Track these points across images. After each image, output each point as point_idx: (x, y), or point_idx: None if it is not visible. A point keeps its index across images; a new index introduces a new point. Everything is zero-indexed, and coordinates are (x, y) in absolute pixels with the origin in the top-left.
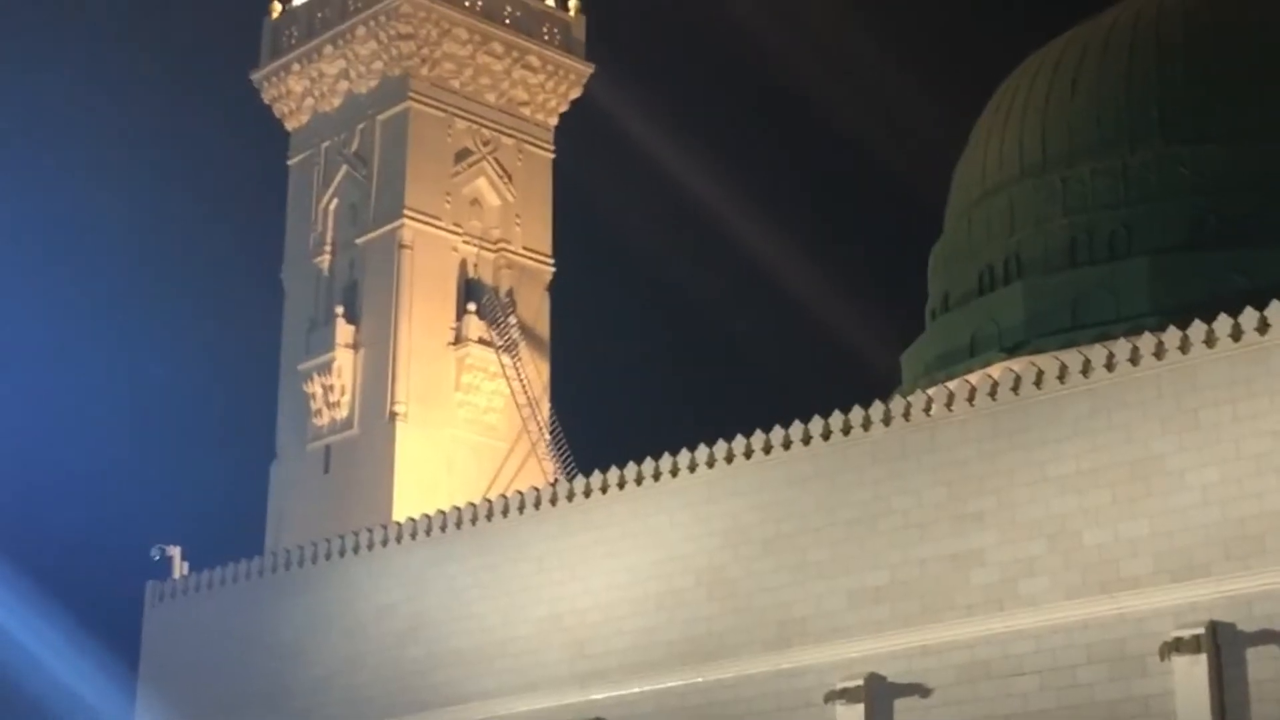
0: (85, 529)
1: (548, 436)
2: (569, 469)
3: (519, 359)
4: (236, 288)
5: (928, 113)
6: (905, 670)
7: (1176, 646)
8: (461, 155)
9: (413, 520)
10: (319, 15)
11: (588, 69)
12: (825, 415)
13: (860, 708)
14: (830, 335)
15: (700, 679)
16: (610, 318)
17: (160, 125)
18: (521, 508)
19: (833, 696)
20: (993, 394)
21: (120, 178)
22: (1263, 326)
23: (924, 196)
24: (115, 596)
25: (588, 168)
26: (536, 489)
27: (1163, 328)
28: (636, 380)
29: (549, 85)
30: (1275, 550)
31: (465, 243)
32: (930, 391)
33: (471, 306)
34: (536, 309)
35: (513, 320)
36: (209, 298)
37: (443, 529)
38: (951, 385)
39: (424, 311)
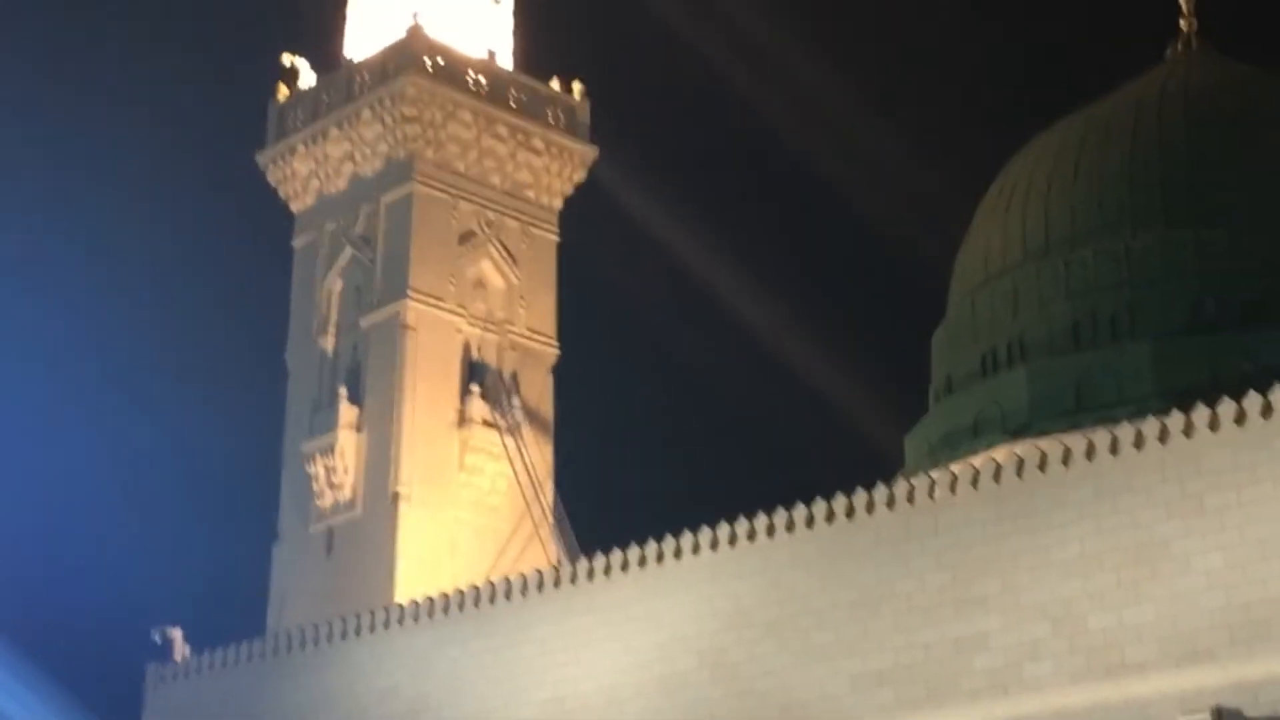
0: (86, 611)
1: (551, 518)
2: (572, 551)
3: (522, 441)
4: (240, 369)
5: (934, 193)
6: None
7: None
8: (466, 237)
9: (415, 602)
10: (324, 98)
11: (592, 152)
12: (828, 497)
13: None
14: (834, 416)
15: None
16: (614, 399)
17: (165, 206)
18: (524, 590)
19: None
20: (996, 477)
21: (124, 258)
22: (1266, 410)
23: (930, 277)
24: (116, 679)
25: (592, 250)
26: (540, 571)
27: (1166, 411)
28: (640, 462)
29: (553, 168)
30: None
31: (469, 324)
32: (934, 474)
33: (475, 388)
34: (540, 391)
35: (516, 402)
36: (213, 378)
37: (445, 611)
38: (955, 468)
39: (427, 393)
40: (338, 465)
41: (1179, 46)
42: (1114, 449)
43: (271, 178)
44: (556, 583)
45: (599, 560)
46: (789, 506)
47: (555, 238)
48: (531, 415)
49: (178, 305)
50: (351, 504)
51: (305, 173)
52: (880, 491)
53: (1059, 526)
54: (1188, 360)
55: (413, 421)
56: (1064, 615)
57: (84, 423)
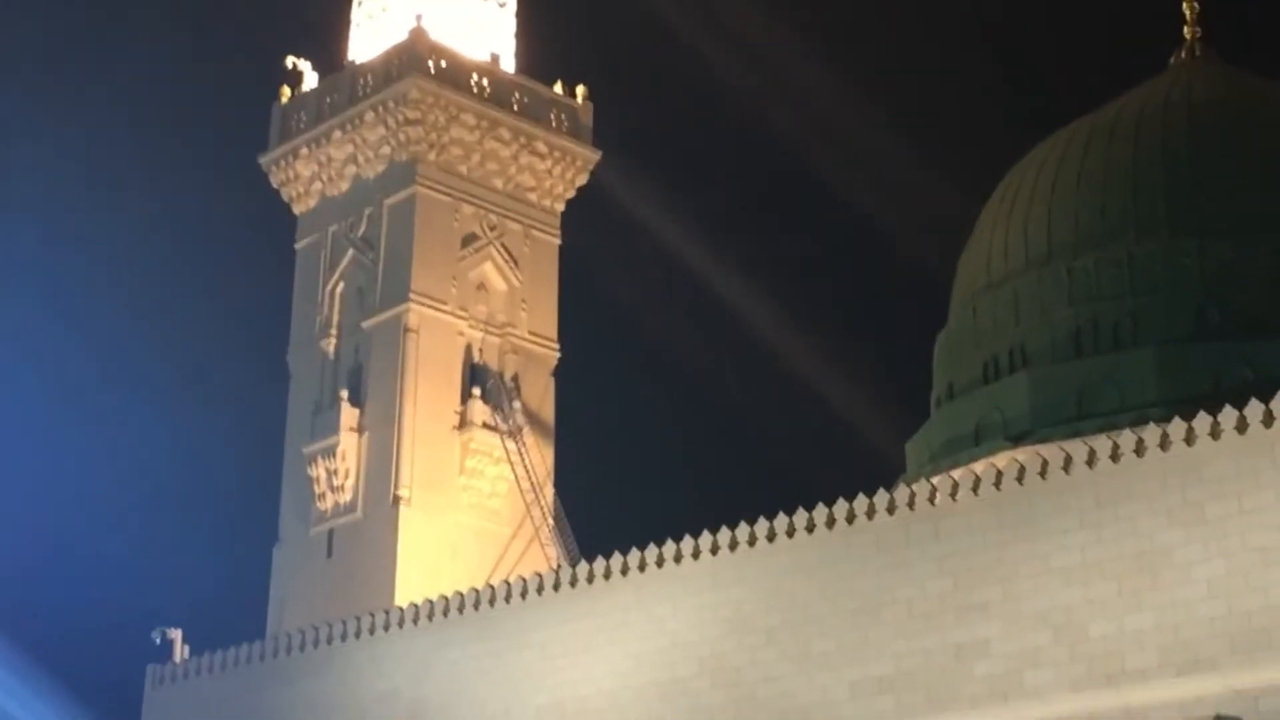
0: (86, 611)
1: (551, 522)
2: (573, 555)
3: (523, 444)
4: (242, 370)
5: (937, 199)
6: None
7: None
8: (468, 240)
9: (415, 605)
10: (328, 100)
11: (595, 155)
12: (829, 503)
13: None
14: (835, 422)
15: None
16: (616, 403)
17: (167, 208)
18: (524, 593)
19: None
20: (997, 484)
21: (126, 260)
22: (1268, 419)
23: (932, 283)
24: (116, 679)
25: (595, 253)
26: (540, 575)
27: (1168, 419)
28: (641, 466)
29: (556, 171)
30: None
31: (471, 327)
32: (935, 480)
33: (476, 391)
34: (542, 394)
35: (517, 405)
36: (214, 380)
37: (445, 614)
38: (956, 474)
39: (429, 396)
40: (339, 468)
41: (1183, 54)
42: (1115, 456)
43: (274, 180)
44: (556, 586)
45: (599, 564)
46: (790, 512)
47: (557, 241)
48: (532, 419)
49: (180, 307)
50: (352, 506)
51: (308, 175)
52: (881, 497)
53: (1060, 533)
54: (1190, 368)
55: (414, 424)
56: (1065, 622)
57: (86, 424)
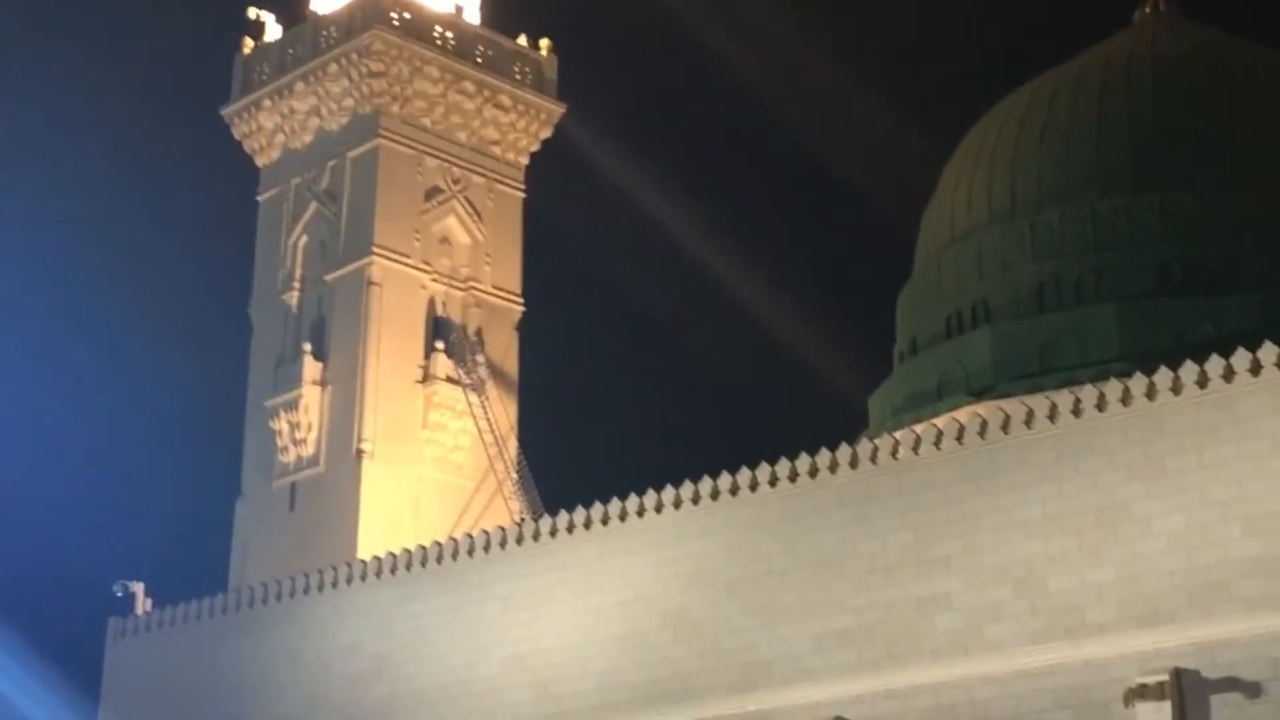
0: (48, 565)
1: (514, 476)
2: (535, 509)
3: (487, 398)
4: (204, 323)
5: (904, 151)
6: (870, 714)
7: (1141, 693)
8: (431, 193)
9: (378, 559)
10: (290, 52)
11: (559, 108)
12: (792, 458)
13: None
14: (799, 376)
15: None
16: (579, 357)
17: (130, 159)
18: (487, 547)
19: None
20: (959, 438)
21: (89, 211)
22: (1229, 374)
23: (897, 238)
24: (77, 632)
25: (558, 207)
26: (503, 528)
27: (1129, 374)
28: (604, 420)
29: (520, 124)
30: (1240, 598)
31: (434, 280)
32: (897, 435)
33: (440, 344)
34: (505, 348)
35: (481, 359)
36: (176, 332)
37: (408, 568)
38: (918, 429)
39: (392, 349)
40: (301, 421)
41: (1147, 9)
42: (1077, 411)
43: (237, 132)
44: (519, 540)
45: (562, 518)
46: (752, 466)
47: (521, 194)
48: (496, 372)
49: (142, 259)
50: (315, 460)
51: (271, 127)
52: (844, 452)
53: (1021, 488)
54: (1152, 324)
55: (377, 378)
56: (1025, 576)
57: (48, 378)
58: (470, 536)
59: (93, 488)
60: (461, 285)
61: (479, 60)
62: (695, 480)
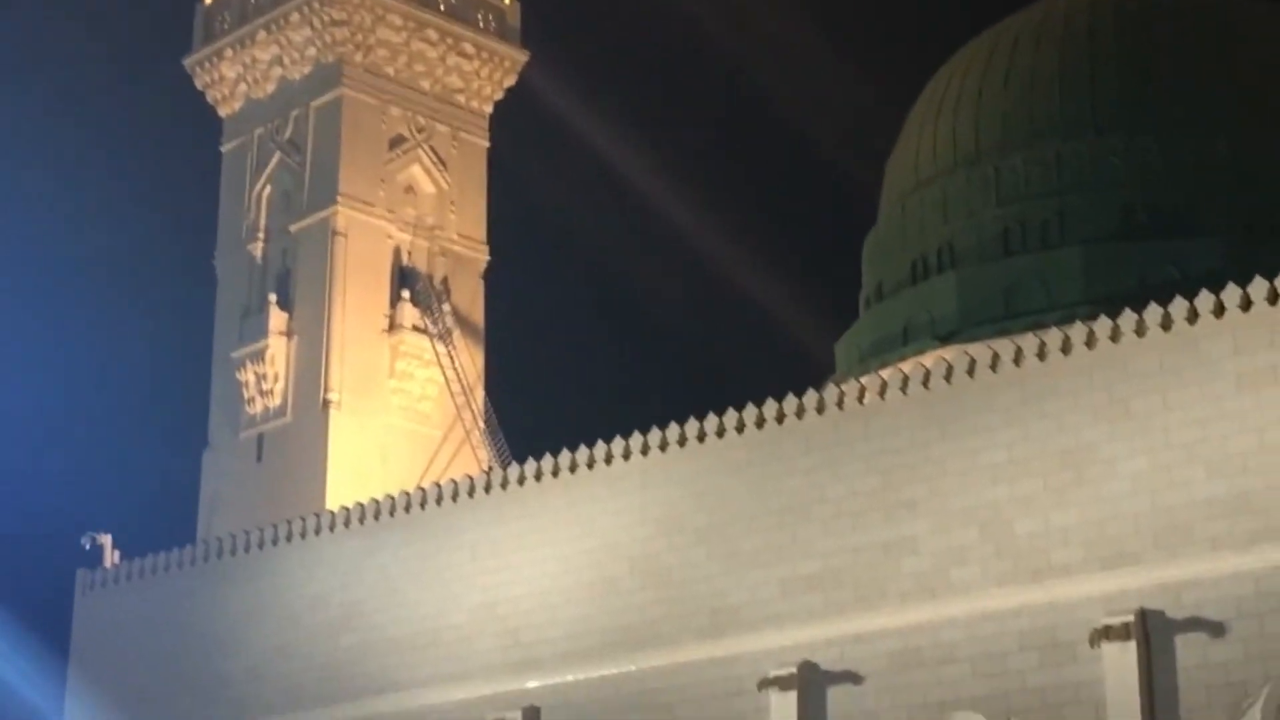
0: (14, 517)
1: (482, 424)
2: (503, 457)
3: (453, 346)
4: (169, 274)
5: (867, 99)
6: (838, 658)
7: (1106, 634)
8: (396, 142)
9: (346, 509)
10: (252, 1)
11: (523, 56)
12: (759, 403)
13: (793, 695)
14: (765, 323)
15: (634, 667)
16: (545, 305)
17: (92, 111)
18: (455, 496)
19: (766, 684)
20: (925, 383)
21: (50, 163)
22: (1192, 316)
23: (861, 184)
24: (45, 585)
25: (523, 155)
26: (470, 477)
27: (1094, 317)
28: (571, 368)
29: (484, 72)
30: (1204, 539)
31: (399, 230)
32: (864, 380)
33: (406, 294)
34: (471, 296)
35: (447, 308)
36: (141, 284)
37: (376, 517)
38: (885, 374)
39: (358, 299)
40: (268, 372)
41: None
42: (1042, 354)
43: (199, 82)
44: (487, 488)
45: (530, 466)
46: (719, 412)
47: (486, 143)
48: (462, 321)
49: (104, 212)
50: (282, 411)
51: (233, 77)
52: (810, 397)
53: (987, 431)
54: (1116, 267)
55: (343, 328)
56: (991, 519)
57: (11, 329)
58: (438, 486)
59: (59, 440)
60: (427, 234)
61: (442, 8)
62: (663, 427)
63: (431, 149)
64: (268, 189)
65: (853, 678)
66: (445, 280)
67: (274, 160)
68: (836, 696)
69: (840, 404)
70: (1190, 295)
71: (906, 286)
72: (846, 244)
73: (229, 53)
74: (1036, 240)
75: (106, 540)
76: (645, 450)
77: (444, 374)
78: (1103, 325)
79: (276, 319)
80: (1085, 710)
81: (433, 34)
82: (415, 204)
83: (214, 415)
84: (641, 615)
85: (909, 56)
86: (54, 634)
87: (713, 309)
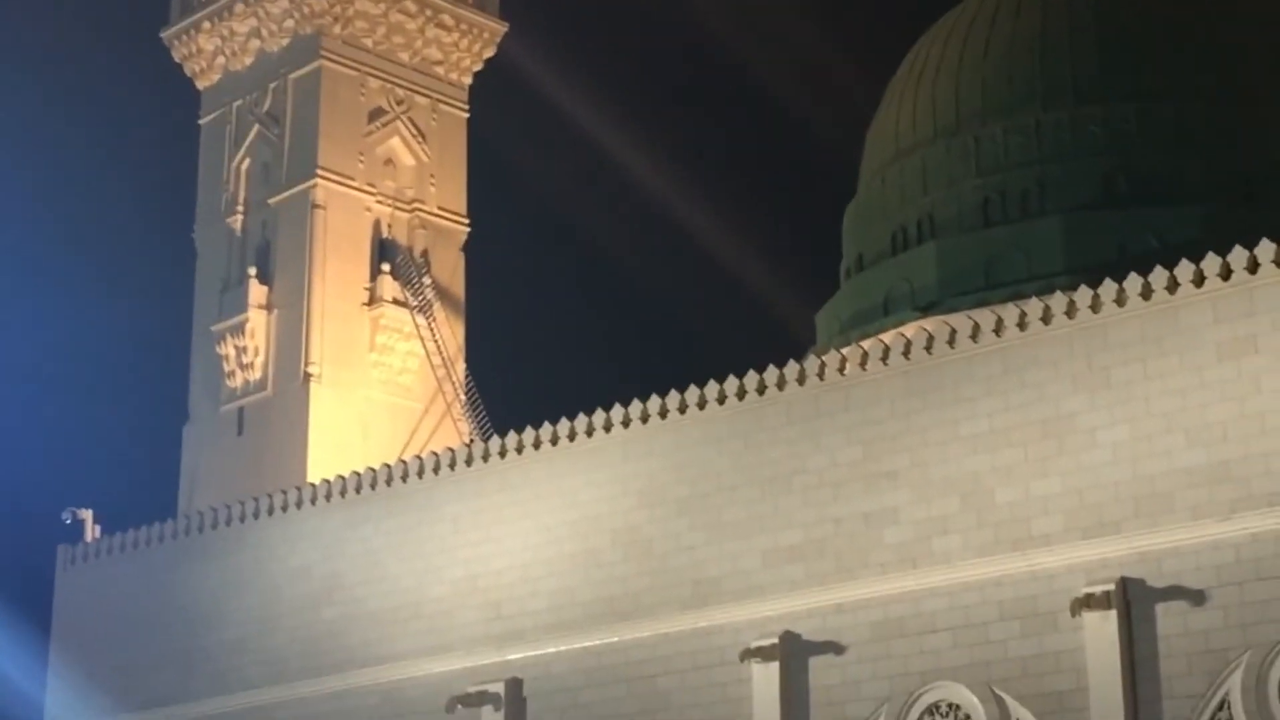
0: None
1: (463, 397)
2: (484, 430)
3: (434, 319)
4: (147, 248)
5: (846, 70)
6: (820, 628)
7: (1087, 603)
8: (375, 114)
9: (327, 482)
10: None
11: (501, 27)
12: (740, 375)
13: (775, 665)
14: (746, 294)
15: (616, 639)
16: (526, 278)
17: (69, 84)
18: (437, 469)
19: (748, 655)
20: (906, 353)
21: (27, 136)
22: (1173, 285)
23: (841, 155)
24: (26, 560)
25: (503, 127)
26: (452, 450)
27: (1075, 287)
28: (552, 340)
29: (463, 44)
30: (1184, 508)
31: (379, 203)
32: (844, 351)
33: (386, 267)
34: (451, 269)
35: (427, 280)
36: (119, 258)
37: (357, 490)
38: (865, 345)
39: (338, 272)
40: (248, 345)
41: None
42: (1022, 324)
43: (176, 54)
44: (469, 461)
45: (511, 439)
46: (700, 384)
47: (465, 114)
48: (442, 294)
49: (82, 185)
50: (262, 384)
51: (211, 49)
52: (791, 368)
53: (968, 401)
54: (1097, 236)
55: (323, 301)
56: (972, 489)
57: None
58: (419, 458)
59: (39, 415)
60: (407, 207)
61: None
62: (643, 399)
63: (411, 121)
64: (246, 162)
65: (834, 648)
66: (425, 253)
67: (253, 133)
68: (818, 667)
69: (821, 375)
70: (1170, 264)
71: (887, 257)
72: (826, 215)
73: (207, 25)
74: (1016, 210)
75: (87, 515)
76: (626, 422)
77: (424, 347)
78: (1083, 295)
79: (256, 292)
80: (1066, 678)
81: (411, 6)
82: (395, 176)
83: (194, 389)
84: (623, 587)
85: (889, 25)
86: (35, 609)
87: (693, 280)
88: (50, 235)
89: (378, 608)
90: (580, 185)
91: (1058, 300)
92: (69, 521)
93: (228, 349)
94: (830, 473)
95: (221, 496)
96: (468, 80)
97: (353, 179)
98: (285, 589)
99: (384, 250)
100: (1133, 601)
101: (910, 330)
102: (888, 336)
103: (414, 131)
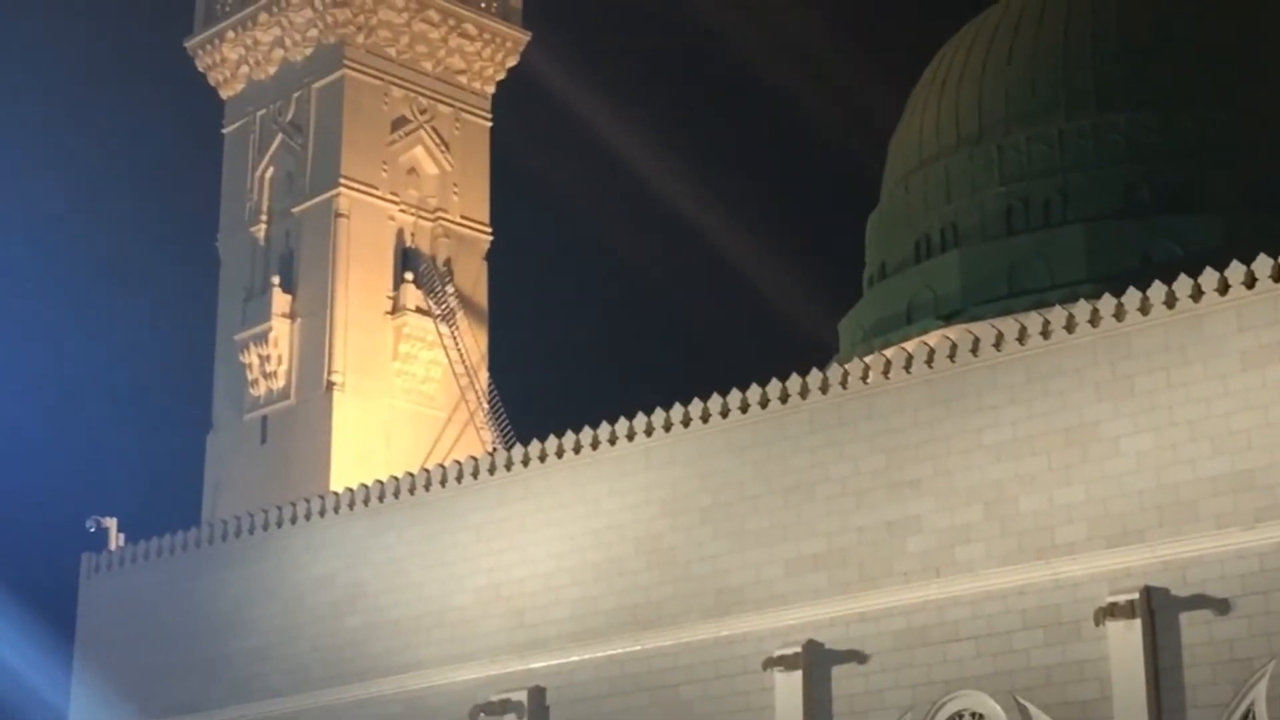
0: (20, 501)
1: (485, 406)
2: (507, 438)
3: (456, 328)
4: (171, 257)
5: (868, 80)
6: (843, 637)
7: (1111, 612)
8: (398, 124)
9: (350, 490)
10: None
11: (524, 36)
12: (763, 384)
13: (798, 674)
14: (769, 303)
15: (639, 647)
16: (548, 286)
17: (94, 94)
18: (460, 477)
19: (771, 663)
20: (929, 362)
21: (52, 147)
22: (1196, 294)
23: (863, 164)
24: (51, 568)
25: (525, 136)
26: (474, 458)
27: (1098, 295)
28: (574, 349)
29: (486, 53)
30: (1208, 516)
31: (402, 211)
32: (867, 359)
33: (409, 275)
34: (474, 278)
35: (450, 289)
36: (143, 267)
37: (380, 499)
38: (888, 353)
39: (361, 281)
40: (271, 354)
41: None
42: (1046, 332)
43: (200, 64)
44: (491, 470)
45: (534, 447)
46: (723, 393)
47: (488, 124)
48: (465, 302)
49: (107, 194)
50: (286, 392)
51: (235, 59)
52: (814, 377)
53: (991, 409)
54: (1119, 244)
55: (346, 309)
56: (995, 497)
57: (17, 313)
58: (442, 467)
59: (64, 424)
60: (430, 216)
61: None
62: (666, 408)
63: (434, 130)
64: (270, 171)
65: (857, 657)
66: (448, 262)
67: (276, 142)
68: (841, 675)
69: (844, 383)
70: (1194, 272)
71: (910, 265)
72: (849, 223)
73: (230, 34)
74: (1040, 218)
75: (111, 523)
76: (649, 431)
77: (447, 355)
78: (1106, 303)
79: (280, 301)
80: (1090, 688)
81: (434, 15)
82: (418, 185)
83: (218, 398)
84: (646, 595)
85: (911, 34)
86: (59, 617)
87: (716, 289)
88: (74, 245)
89: (401, 616)
90: (602, 194)
91: (1081, 308)
92: (93, 530)
93: (251, 358)
94: (853, 481)
95: (245, 505)
96: (490, 89)
97: (376, 188)
98: (308, 597)
99: (407, 259)
100: (1157, 610)
101: (933, 339)
102: (911, 345)
103: (437, 140)
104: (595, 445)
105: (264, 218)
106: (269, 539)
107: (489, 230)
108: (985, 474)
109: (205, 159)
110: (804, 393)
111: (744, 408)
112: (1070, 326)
